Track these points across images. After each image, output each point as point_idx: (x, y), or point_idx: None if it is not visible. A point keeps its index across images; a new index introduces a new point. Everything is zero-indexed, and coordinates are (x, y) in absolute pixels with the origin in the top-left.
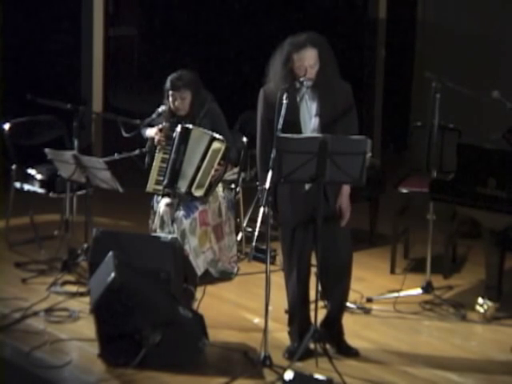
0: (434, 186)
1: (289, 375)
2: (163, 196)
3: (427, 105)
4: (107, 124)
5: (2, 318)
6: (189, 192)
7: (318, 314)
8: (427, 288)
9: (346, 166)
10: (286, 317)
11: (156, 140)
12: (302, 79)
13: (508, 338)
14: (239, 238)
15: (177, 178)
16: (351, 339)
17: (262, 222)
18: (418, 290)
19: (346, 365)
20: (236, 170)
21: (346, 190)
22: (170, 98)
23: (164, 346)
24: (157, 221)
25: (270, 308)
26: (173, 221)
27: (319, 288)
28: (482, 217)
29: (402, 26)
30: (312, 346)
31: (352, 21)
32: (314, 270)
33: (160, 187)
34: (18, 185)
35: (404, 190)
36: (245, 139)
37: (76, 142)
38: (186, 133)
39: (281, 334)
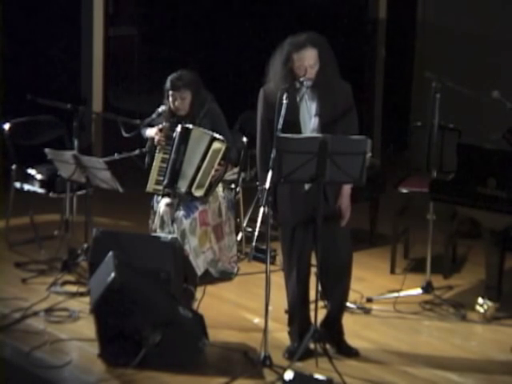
0: (433, 186)
1: (289, 375)
2: (163, 196)
3: (427, 105)
4: (107, 124)
5: (2, 318)
6: (189, 192)
7: (318, 313)
8: (427, 288)
9: (346, 166)
10: (285, 317)
11: (156, 140)
12: (301, 79)
13: (508, 337)
14: (239, 238)
15: (177, 178)
16: (351, 339)
17: (262, 222)
18: (418, 290)
19: (346, 365)
20: (236, 170)
21: (346, 190)
22: (170, 98)
23: (164, 346)
24: (157, 221)
25: (270, 308)
26: (173, 221)
27: (319, 288)
28: (482, 217)
29: (401, 26)
30: (312, 345)
31: (352, 21)
32: (314, 269)
33: (160, 187)
34: (17, 185)
35: (404, 190)
36: (245, 139)
37: (76, 142)
38: (186, 133)
39: (281, 333)
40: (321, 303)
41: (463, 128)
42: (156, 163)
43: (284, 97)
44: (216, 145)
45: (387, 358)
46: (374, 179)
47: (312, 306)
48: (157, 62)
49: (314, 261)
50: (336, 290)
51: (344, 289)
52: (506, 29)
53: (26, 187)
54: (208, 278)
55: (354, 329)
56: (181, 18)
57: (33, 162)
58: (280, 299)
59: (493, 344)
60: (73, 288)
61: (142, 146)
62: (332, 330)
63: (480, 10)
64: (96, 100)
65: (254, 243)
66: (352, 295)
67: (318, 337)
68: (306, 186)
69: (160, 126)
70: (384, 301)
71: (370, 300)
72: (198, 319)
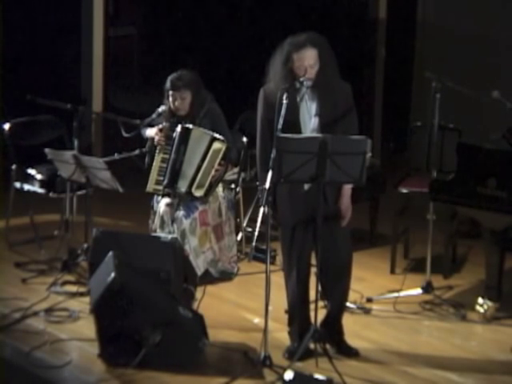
0: (433, 186)
1: (289, 375)
2: (163, 196)
3: (427, 105)
4: (107, 124)
5: (2, 318)
6: (189, 192)
7: (318, 313)
8: (427, 288)
9: (346, 166)
10: (285, 317)
11: (156, 140)
12: (301, 79)
13: (508, 337)
14: (239, 238)
15: (177, 178)
16: (351, 339)
17: (262, 222)
18: (418, 290)
19: (346, 365)
20: (236, 170)
21: (346, 190)
22: (170, 98)
23: (164, 346)
24: (157, 221)
25: (270, 308)
26: (173, 221)
27: (319, 288)
28: (482, 217)
29: (401, 26)
30: (312, 345)
31: (352, 21)
32: (314, 269)
33: (160, 187)
34: (18, 185)
35: (404, 190)
36: (245, 139)
37: (76, 142)
38: (186, 133)
39: (281, 333)
40: (321, 303)
41: (463, 128)
42: (156, 163)
43: (284, 97)
44: (216, 145)
45: (387, 357)
46: (374, 179)
47: (312, 306)
48: (157, 62)
49: (313, 261)
50: (336, 290)
51: (344, 289)
52: (506, 29)
53: (26, 187)
54: (208, 278)
55: (353, 329)
56: (181, 18)
57: (33, 161)
58: (280, 299)
59: (493, 344)
60: (73, 288)
61: (142, 146)
62: (332, 330)
63: (480, 10)
64: (96, 100)
65: (253, 243)
66: (352, 295)
67: (318, 337)
68: (306, 186)
69: (160, 126)
70: (384, 301)
71: (370, 300)
72: (198, 319)
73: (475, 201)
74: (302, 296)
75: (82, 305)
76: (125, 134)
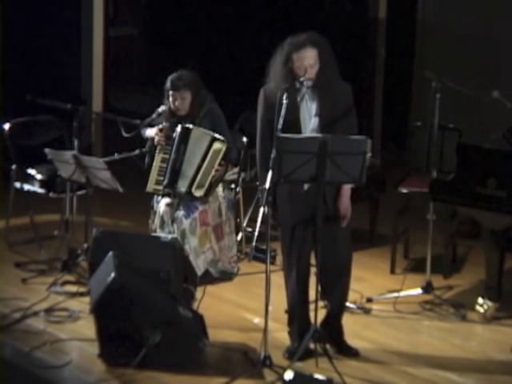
0: (433, 186)
1: (289, 375)
2: (163, 196)
3: (427, 105)
4: (107, 124)
5: (2, 318)
6: (189, 192)
7: (318, 313)
8: (427, 288)
9: (346, 166)
10: (285, 317)
11: (156, 140)
12: (302, 79)
13: (508, 337)
14: (239, 238)
15: (177, 177)
16: (351, 339)
17: (262, 222)
18: (418, 290)
19: (346, 365)
20: (236, 170)
21: (346, 190)
22: (170, 98)
23: (164, 346)
24: (157, 221)
25: (270, 308)
26: (173, 221)
27: (319, 288)
28: (482, 217)
29: (401, 26)
30: (312, 345)
31: (352, 21)
32: (313, 269)
33: (160, 187)
34: (17, 185)
35: (404, 190)
36: (245, 139)
37: (76, 142)
38: (186, 133)
39: (281, 333)
40: (321, 303)
41: (463, 128)
42: (156, 163)
43: (284, 97)
44: (217, 145)
45: (387, 357)
46: (374, 179)
47: (312, 306)
48: (157, 62)
49: (313, 261)
50: (336, 290)
51: (344, 289)
52: (506, 29)
53: (26, 187)
54: (208, 278)
55: (353, 329)
56: (181, 18)
57: (33, 161)
58: (280, 299)
59: (493, 344)
60: (73, 288)
61: (142, 146)
62: (332, 330)
63: (480, 9)
64: (96, 100)
65: (253, 243)
66: (352, 295)
67: (318, 337)
68: (306, 186)
69: (160, 126)
70: (384, 301)
71: (370, 300)
72: (198, 319)
73: (475, 201)
74: (301, 296)
75: (82, 305)
76: (125, 134)
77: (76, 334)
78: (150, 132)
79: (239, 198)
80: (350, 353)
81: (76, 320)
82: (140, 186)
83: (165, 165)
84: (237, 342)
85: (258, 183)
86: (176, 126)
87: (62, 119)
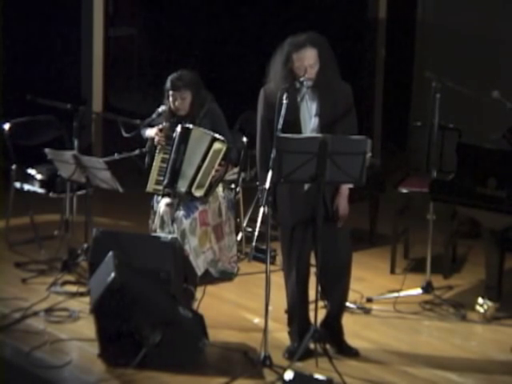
0: (434, 186)
1: (289, 375)
2: (163, 196)
3: (427, 105)
4: (107, 124)
5: (2, 318)
6: (189, 192)
7: (318, 313)
8: (427, 288)
9: (346, 166)
10: (285, 317)
11: (156, 140)
12: (302, 79)
13: (508, 337)
14: (239, 238)
15: (177, 177)
16: (351, 339)
17: (262, 222)
18: (418, 290)
19: (346, 365)
20: (236, 170)
21: (344, 190)
22: (170, 98)
23: (164, 346)
24: (157, 221)
25: (270, 308)
26: (173, 221)
27: (319, 288)
28: (482, 217)
29: (401, 26)
30: (312, 345)
31: (352, 21)
32: (313, 269)
33: (160, 187)
34: (17, 185)
35: (404, 190)
36: (245, 139)
37: (76, 142)
38: (186, 133)
39: (281, 333)
40: (321, 303)
41: (463, 128)
42: (156, 163)
43: (284, 97)
44: (217, 145)
45: (387, 357)
46: (374, 179)
47: (312, 306)
48: (157, 62)
49: (313, 261)
50: (336, 290)
51: (344, 289)
52: (506, 29)
53: (26, 187)
54: (208, 278)
55: (353, 329)
56: (181, 18)
57: (33, 162)
58: (280, 299)
59: (493, 344)
60: (73, 288)
61: (142, 146)
62: (332, 330)
63: (480, 9)
64: (96, 100)
65: (253, 243)
66: (352, 295)
67: (318, 337)
68: (306, 186)
69: (160, 126)
70: (384, 301)
71: (370, 300)
72: (198, 319)
73: (475, 201)
74: (301, 296)
75: (82, 305)
76: (125, 134)
77: (76, 333)
78: (150, 132)
79: (239, 198)
80: (350, 353)
81: (76, 320)
82: (140, 186)
83: (165, 165)
84: (237, 341)
85: (258, 183)
86: (176, 126)
87: (61, 119)
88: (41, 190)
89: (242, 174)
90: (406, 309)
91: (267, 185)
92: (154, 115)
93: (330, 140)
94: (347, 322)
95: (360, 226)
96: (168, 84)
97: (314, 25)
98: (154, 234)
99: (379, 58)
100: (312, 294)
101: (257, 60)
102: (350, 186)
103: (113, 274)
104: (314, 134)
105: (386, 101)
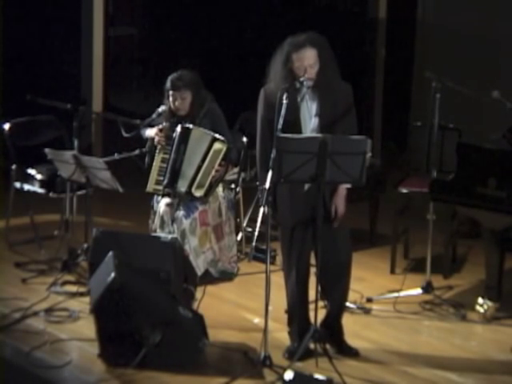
0: (434, 186)
1: (289, 375)
2: (163, 196)
3: (427, 105)
4: (107, 124)
5: (2, 318)
6: (189, 192)
7: (318, 313)
8: (427, 288)
9: (346, 166)
10: (285, 317)
11: (156, 140)
12: (302, 79)
13: (508, 337)
14: (239, 238)
15: (177, 177)
16: (351, 339)
17: (262, 222)
18: (418, 290)
19: (346, 365)
20: (236, 170)
21: (342, 190)
22: (170, 98)
23: (164, 346)
24: (157, 221)
25: (270, 308)
26: (173, 221)
27: (319, 288)
28: (482, 217)
29: (401, 26)
30: (312, 345)
31: (352, 21)
32: (313, 269)
33: (160, 187)
34: (17, 185)
35: (404, 190)
36: (245, 139)
37: (76, 142)
38: (186, 133)
39: (281, 333)
40: (321, 303)
41: (463, 128)
42: (156, 163)
43: (284, 97)
44: (217, 145)
45: (387, 357)
46: (374, 179)
47: (312, 306)
48: (157, 62)
49: (313, 261)
50: (336, 290)
51: (344, 289)
52: (506, 29)
53: (26, 187)
54: (208, 278)
55: (353, 329)
56: (181, 18)
57: (33, 162)
58: (280, 299)
59: (493, 344)
60: (73, 288)
61: (142, 146)
62: (332, 330)
63: (480, 9)
64: (96, 100)
65: (253, 243)
66: (352, 295)
67: (318, 337)
68: (306, 186)
69: (160, 126)
70: (384, 301)
71: (370, 300)
72: (198, 319)
73: (475, 201)
74: (301, 296)
75: (82, 305)
76: (125, 134)
77: (76, 333)
78: (150, 132)
79: (239, 198)
80: (350, 353)
81: (76, 320)
82: (140, 186)
83: (165, 165)
84: (237, 341)
85: (258, 183)
86: (176, 126)
87: (61, 119)
88: (41, 190)
89: (242, 174)
90: (406, 309)
91: (267, 185)
92: (154, 115)
93: (330, 140)
94: (347, 322)
95: (360, 226)
96: (168, 84)
97: (314, 25)
98: (153, 234)
99: (379, 58)
100: (312, 293)
101: (257, 60)
102: (348, 185)
103: (113, 274)
104: (314, 134)
105: (385, 101)
